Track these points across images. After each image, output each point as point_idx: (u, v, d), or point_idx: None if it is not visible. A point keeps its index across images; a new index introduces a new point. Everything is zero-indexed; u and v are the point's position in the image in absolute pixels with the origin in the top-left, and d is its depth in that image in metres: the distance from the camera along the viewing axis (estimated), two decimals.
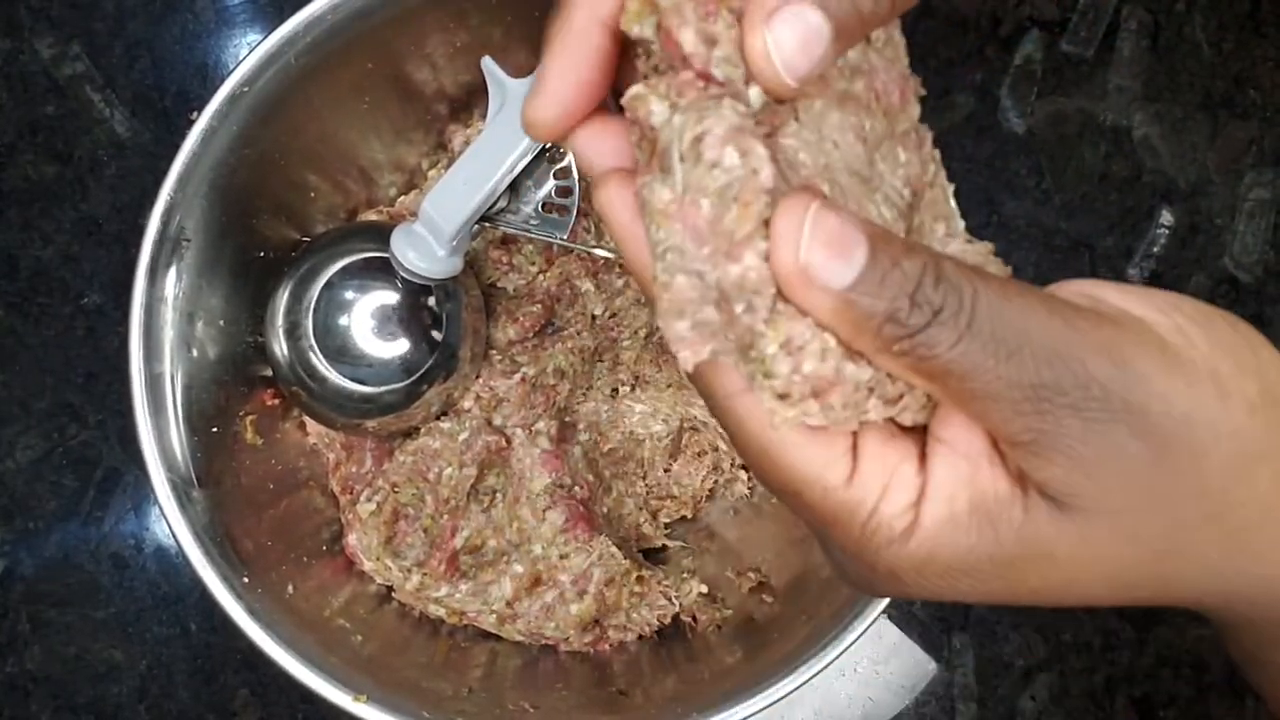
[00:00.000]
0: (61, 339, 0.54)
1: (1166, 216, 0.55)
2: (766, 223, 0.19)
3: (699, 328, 0.20)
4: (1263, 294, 0.55)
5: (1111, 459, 0.19)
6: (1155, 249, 0.55)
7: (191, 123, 0.41)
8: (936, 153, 0.26)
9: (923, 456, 0.22)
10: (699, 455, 0.53)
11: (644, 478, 0.53)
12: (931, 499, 0.21)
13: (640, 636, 0.50)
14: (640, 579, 0.49)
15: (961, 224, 0.26)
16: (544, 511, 0.48)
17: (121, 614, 0.53)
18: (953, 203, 0.26)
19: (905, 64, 0.25)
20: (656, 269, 0.20)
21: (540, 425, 0.50)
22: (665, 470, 0.53)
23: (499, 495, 0.50)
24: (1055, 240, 0.55)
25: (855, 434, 0.22)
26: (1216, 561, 0.21)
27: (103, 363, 0.54)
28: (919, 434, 0.22)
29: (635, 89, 0.20)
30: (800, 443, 0.21)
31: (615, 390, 0.53)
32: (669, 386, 0.53)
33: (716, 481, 0.54)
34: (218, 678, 0.52)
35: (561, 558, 0.48)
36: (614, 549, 0.48)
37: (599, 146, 0.23)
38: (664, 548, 0.54)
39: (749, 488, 0.54)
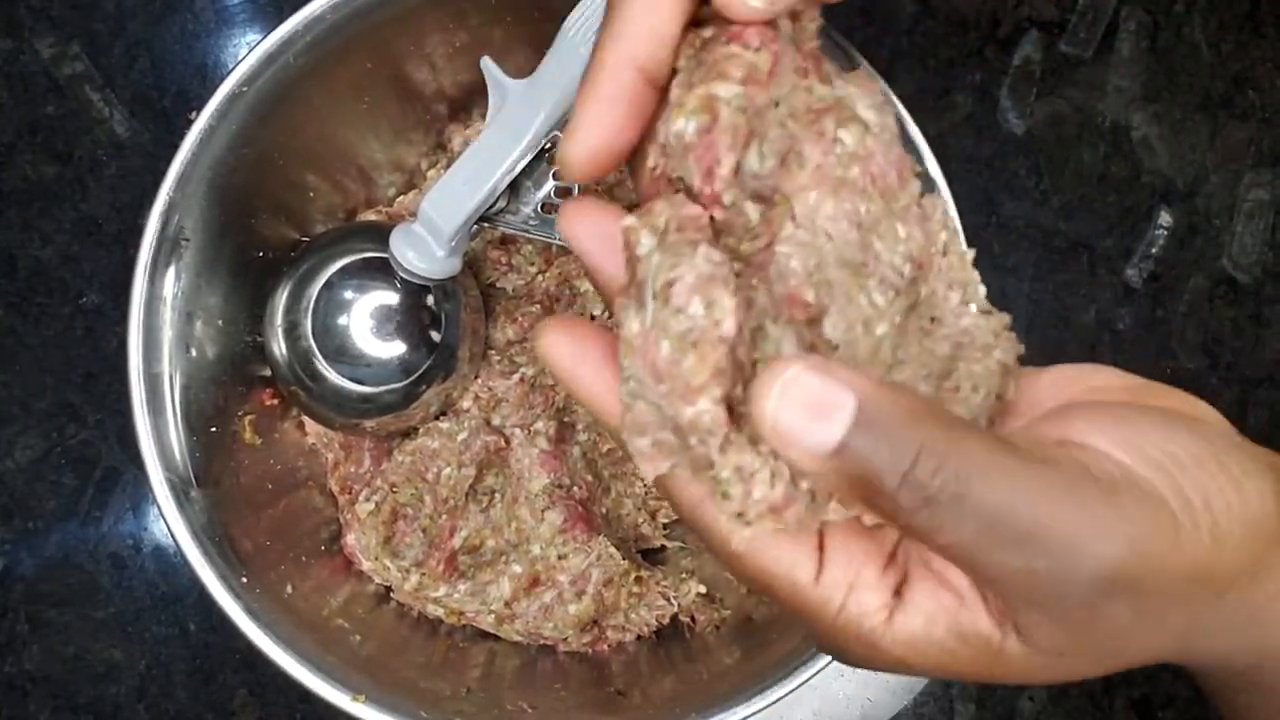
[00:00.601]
0: (61, 339, 0.54)
1: (1165, 217, 0.55)
2: (721, 372, 0.20)
3: (659, 445, 0.22)
4: (1261, 295, 0.55)
5: (1093, 623, 0.20)
6: (1154, 249, 0.55)
7: (191, 122, 0.41)
8: (954, 220, 0.27)
9: (891, 556, 0.22)
10: None
11: (643, 478, 0.53)
12: (909, 614, 0.22)
13: (639, 637, 0.50)
14: (639, 579, 0.49)
15: (982, 290, 0.26)
16: (543, 512, 0.48)
17: (120, 614, 0.53)
18: (971, 270, 0.27)
19: (900, 147, 0.26)
20: (622, 390, 0.21)
21: (539, 425, 0.50)
22: None
23: (498, 495, 0.50)
24: (1054, 241, 0.55)
25: (822, 533, 0.22)
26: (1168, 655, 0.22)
27: (102, 362, 0.54)
28: (884, 531, 0.23)
29: (629, 221, 0.21)
30: (766, 546, 0.22)
31: None
32: None
33: None
34: (216, 677, 0.52)
35: (560, 558, 0.48)
36: (612, 549, 0.48)
37: (590, 232, 0.23)
38: (663, 548, 0.54)
39: None
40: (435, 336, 0.47)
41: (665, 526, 0.54)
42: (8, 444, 0.54)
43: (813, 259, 0.22)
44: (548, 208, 0.44)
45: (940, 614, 0.21)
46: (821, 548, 0.22)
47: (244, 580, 0.41)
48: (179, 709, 0.52)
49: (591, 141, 0.22)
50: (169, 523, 0.40)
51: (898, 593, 0.22)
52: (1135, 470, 0.20)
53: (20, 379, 0.54)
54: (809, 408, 0.19)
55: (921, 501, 0.19)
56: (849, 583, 0.22)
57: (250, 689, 0.52)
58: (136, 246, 0.41)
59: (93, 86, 0.56)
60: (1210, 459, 0.21)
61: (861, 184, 0.24)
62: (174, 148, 0.41)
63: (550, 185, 0.43)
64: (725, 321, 0.20)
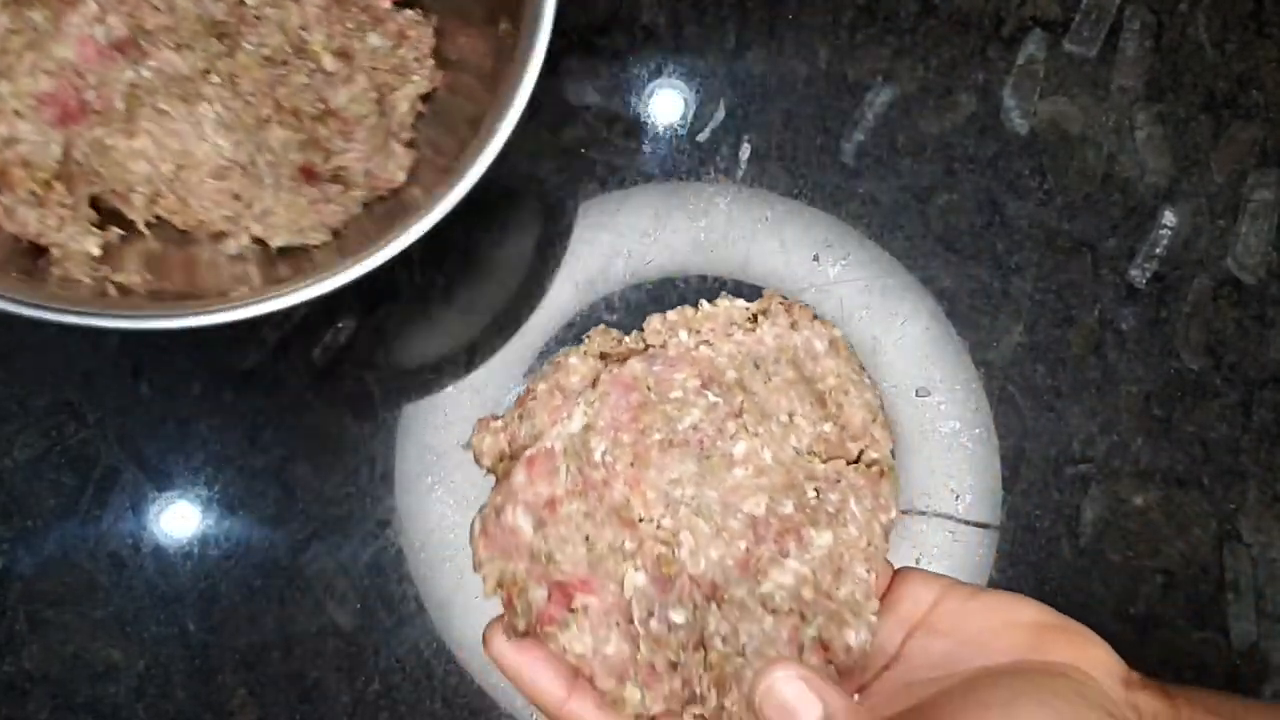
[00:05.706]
0: (61, 336, 0.54)
1: (1169, 217, 0.55)
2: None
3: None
4: (1265, 295, 0.54)
5: None
6: (1158, 250, 0.55)
7: None
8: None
9: None
10: None
11: None
12: None
13: None
14: None
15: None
16: None
17: (119, 613, 0.52)
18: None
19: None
20: None
21: None
22: None
23: None
24: (1058, 241, 0.55)
25: None
26: None
27: (102, 360, 0.54)
28: None
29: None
30: None
31: None
32: None
33: None
34: (215, 677, 0.52)
35: None
36: None
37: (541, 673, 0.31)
38: None
39: None
40: None
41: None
42: (6, 442, 0.53)
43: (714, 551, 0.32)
44: None
45: None
46: None
47: None
48: (178, 709, 0.52)
49: None
50: None
51: None
52: None
53: (19, 377, 0.54)
54: (781, 709, 0.24)
55: None
56: None
57: (249, 689, 0.52)
58: None
59: None
60: None
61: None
62: None
63: None
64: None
